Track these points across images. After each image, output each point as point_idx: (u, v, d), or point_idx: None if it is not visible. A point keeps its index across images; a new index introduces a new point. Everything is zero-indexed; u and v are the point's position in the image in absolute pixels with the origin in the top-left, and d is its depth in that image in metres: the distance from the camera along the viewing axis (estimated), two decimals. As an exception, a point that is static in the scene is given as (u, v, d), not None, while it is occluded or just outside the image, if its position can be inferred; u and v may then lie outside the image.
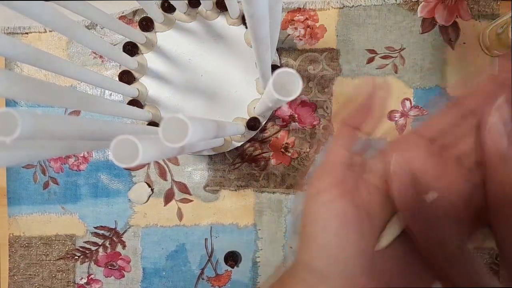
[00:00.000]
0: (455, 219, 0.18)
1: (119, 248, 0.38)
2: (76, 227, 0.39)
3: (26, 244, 0.39)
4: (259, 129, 0.35)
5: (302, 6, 0.36)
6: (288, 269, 0.22)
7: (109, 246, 0.38)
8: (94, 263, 0.39)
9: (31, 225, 0.39)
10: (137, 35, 0.33)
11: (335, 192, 0.19)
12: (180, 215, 0.38)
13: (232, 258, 0.37)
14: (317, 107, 0.37)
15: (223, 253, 0.38)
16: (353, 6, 0.36)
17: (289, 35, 0.37)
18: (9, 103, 0.38)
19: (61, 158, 0.39)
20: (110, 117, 0.36)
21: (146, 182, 0.38)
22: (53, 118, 0.15)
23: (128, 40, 0.34)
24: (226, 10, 0.34)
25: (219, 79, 0.36)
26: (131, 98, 0.35)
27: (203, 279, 0.38)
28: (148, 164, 0.38)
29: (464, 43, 0.36)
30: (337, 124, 0.20)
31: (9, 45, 0.17)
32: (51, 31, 0.38)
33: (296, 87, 0.16)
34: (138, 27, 0.35)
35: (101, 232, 0.38)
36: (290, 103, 0.37)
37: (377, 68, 0.36)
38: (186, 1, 0.34)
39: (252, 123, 0.34)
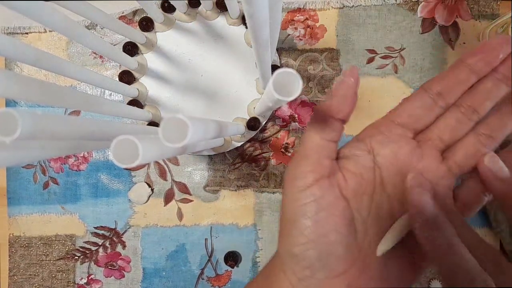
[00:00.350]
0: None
1: (119, 248, 0.38)
2: (76, 227, 0.39)
3: (26, 244, 0.39)
4: (259, 129, 0.35)
5: (302, 6, 0.36)
6: (270, 260, 0.22)
7: (109, 246, 0.38)
8: (94, 263, 0.39)
9: (31, 225, 0.39)
10: (137, 35, 0.33)
11: (311, 177, 0.19)
12: (180, 215, 0.38)
13: (232, 258, 0.37)
14: (317, 107, 0.37)
15: (223, 253, 0.38)
16: (353, 6, 0.36)
17: (289, 35, 0.37)
18: (9, 103, 0.38)
19: (61, 158, 0.39)
20: (110, 117, 0.36)
21: (146, 182, 0.38)
22: (53, 118, 0.15)
23: (128, 40, 0.34)
24: (226, 10, 0.34)
25: (219, 79, 0.36)
26: (131, 98, 0.35)
27: (203, 279, 0.38)
28: (148, 164, 0.38)
29: (464, 43, 0.36)
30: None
31: (9, 45, 0.17)
32: (51, 31, 0.38)
33: (296, 87, 0.16)
34: (138, 27, 0.35)
35: (101, 232, 0.38)
36: (290, 103, 0.37)
37: (377, 68, 0.36)
38: (186, 1, 0.34)
39: (252, 123, 0.34)
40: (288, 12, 0.36)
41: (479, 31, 0.35)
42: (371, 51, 0.36)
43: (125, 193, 0.38)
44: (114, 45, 0.38)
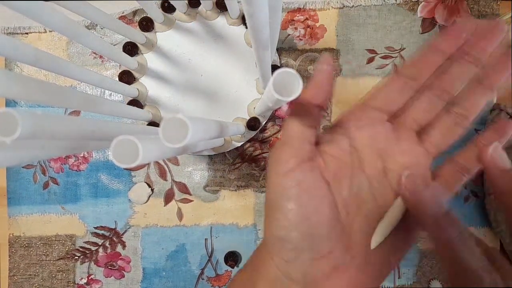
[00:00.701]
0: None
1: (119, 248, 0.38)
2: (76, 227, 0.39)
3: (26, 244, 0.39)
4: (259, 129, 0.35)
5: (302, 6, 0.36)
6: (256, 248, 0.23)
7: (109, 246, 0.38)
8: (94, 263, 0.39)
9: (31, 225, 0.39)
10: (137, 35, 0.33)
11: (293, 162, 0.20)
12: (180, 215, 0.38)
13: (232, 258, 0.37)
14: (317, 107, 0.37)
15: (223, 253, 0.38)
16: (353, 6, 0.36)
17: (289, 35, 0.37)
18: (9, 103, 0.38)
19: (61, 158, 0.39)
20: (110, 117, 0.36)
21: (146, 182, 0.38)
22: (53, 118, 0.15)
23: (128, 40, 0.34)
24: (226, 10, 0.34)
25: (219, 79, 0.36)
26: (131, 98, 0.35)
27: (203, 279, 0.38)
28: (148, 164, 0.38)
29: (464, 43, 0.36)
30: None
31: (9, 45, 0.17)
32: (51, 31, 0.38)
33: (296, 87, 0.16)
34: (138, 27, 0.35)
35: (101, 232, 0.38)
36: (290, 103, 0.37)
37: (377, 68, 0.36)
38: (186, 1, 0.34)
39: (252, 123, 0.34)
40: (288, 12, 0.36)
41: (479, 31, 0.35)
42: (371, 51, 0.36)
43: (125, 193, 0.38)
44: (114, 45, 0.38)
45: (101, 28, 0.38)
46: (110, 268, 0.39)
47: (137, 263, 0.38)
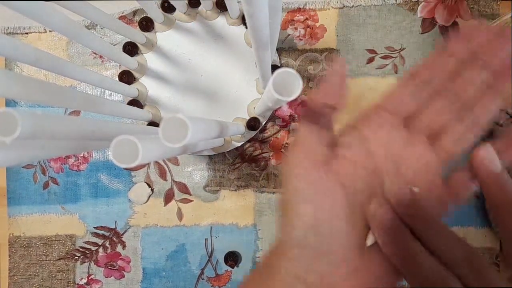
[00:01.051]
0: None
1: (119, 248, 0.38)
2: (76, 227, 0.39)
3: (26, 244, 0.39)
4: (259, 129, 0.35)
5: (302, 6, 0.36)
6: (270, 250, 0.23)
7: (109, 246, 0.38)
8: (94, 263, 0.39)
9: (31, 225, 0.39)
10: (137, 35, 0.33)
11: (307, 164, 0.20)
12: (180, 215, 0.38)
13: (232, 258, 0.37)
14: (317, 107, 0.37)
15: (223, 253, 0.38)
16: (353, 6, 0.36)
17: (289, 35, 0.37)
18: (9, 103, 0.38)
19: (61, 158, 0.39)
20: (110, 117, 0.36)
21: (146, 182, 0.38)
22: (53, 118, 0.15)
23: (128, 40, 0.34)
24: (226, 10, 0.34)
25: (219, 79, 0.36)
26: (131, 98, 0.35)
27: (203, 279, 0.38)
28: (148, 164, 0.38)
29: (464, 43, 0.36)
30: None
31: (9, 45, 0.17)
32: (51, 31, 0.38)
33: (296, 87, 0.16)
34: (138, 27, 0.35)
35: (101, 232, 0.38)
36: (290, 103, 0.37)
37: (377, 68, 0.36)
38: (186, 1, 0.34)
39: (252, 123, 0.34)
40: (288, 12, 0.36)
41: (479, 31, 0.35)
42: (371, 51, 0.36)
43: (125, 193, 0.38)
44: (114, 45, 0.38)
45: (101, 28, 0.38)
46: (110, 268, 0.39)
47: (137, 263, 0.38)
